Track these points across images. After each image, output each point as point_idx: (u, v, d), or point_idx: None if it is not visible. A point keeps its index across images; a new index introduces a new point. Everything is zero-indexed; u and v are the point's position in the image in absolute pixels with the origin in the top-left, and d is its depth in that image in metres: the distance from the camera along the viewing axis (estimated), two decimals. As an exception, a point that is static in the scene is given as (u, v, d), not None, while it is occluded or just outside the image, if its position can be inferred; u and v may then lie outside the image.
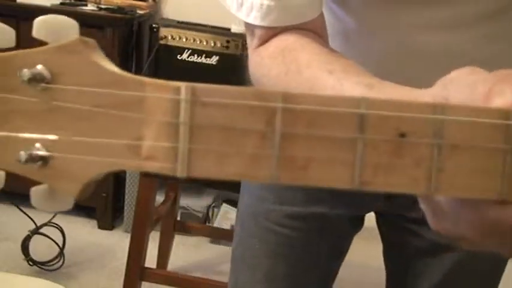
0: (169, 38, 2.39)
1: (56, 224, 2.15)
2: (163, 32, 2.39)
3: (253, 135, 0.31)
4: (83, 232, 2.39)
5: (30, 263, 2.12)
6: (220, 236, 2.38)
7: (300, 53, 0.59)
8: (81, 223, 2.45)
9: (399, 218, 0.82)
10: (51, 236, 2.14)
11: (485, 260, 0.80)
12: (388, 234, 0.87)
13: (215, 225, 2.48)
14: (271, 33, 0.63)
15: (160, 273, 1.98)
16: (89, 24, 2.31)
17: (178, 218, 2.30)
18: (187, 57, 2.38)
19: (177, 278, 1.90)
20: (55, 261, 2.15)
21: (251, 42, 0.66)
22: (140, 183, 1.84)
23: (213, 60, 2.37)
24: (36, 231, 2.13)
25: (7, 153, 0.34)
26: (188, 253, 2.37)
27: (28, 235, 2.12)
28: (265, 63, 0.63)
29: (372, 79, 0.53)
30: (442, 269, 0.80)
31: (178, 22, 2.51)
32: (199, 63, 2.37)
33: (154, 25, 2.41)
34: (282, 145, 0.31)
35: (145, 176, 1.81)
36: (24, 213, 2.15)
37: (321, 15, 0.65)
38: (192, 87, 0.32)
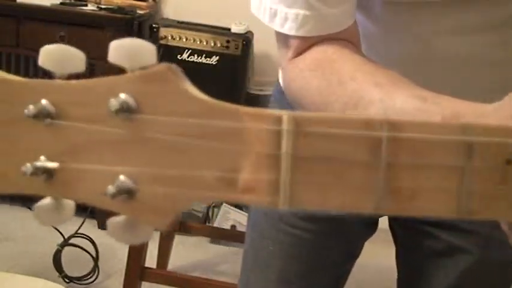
0: (169, 38, 2.39)
1: (85, 235, 2.10)
2: (163, 32, 2.39)
3: (357, 165, 0.30)
4: (82, 232, 2.39)
5: (67, 280, 2.05)
6: (220, 236, 2.38)
7: (342, 64, 0.58)
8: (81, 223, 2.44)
9: (414, 221, 0.82)
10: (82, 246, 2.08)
11: (501, 264, 0.80)
12: (403, 236, 0.87)
13: (215, 225, 2.48)
14: (307, 43, 0.62)
15: (160, 273, 1.98)
16: (89, 24, 2.31)
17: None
18: (187, 57, 2.37)
19: (177, 278, 1.90)
20: (90, 275, 2.09)
21: (286, 54, 0.64)
22: (140, 183, 1.84)
23: (213, 60, 2.37)
24: (65, 243, 2.07)
25: (91, 187, 0.33)
26: (188, 253, 2.37)
27: (58, 249, 2.04)
28: (304, 75, 0.62)
29: (422, 91, 0.51)
30: (456, 271, 0.80)
31: (178, 22, 2.51)
32: (199, 63, 2.37)
33: (154, 25, 2.41)
34: (388, 175, 0.30)
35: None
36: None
37: (355, 23, 0.64)
38: (294, 117, 0.30)
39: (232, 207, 2.49)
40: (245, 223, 2.44)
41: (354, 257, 0.88)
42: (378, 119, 0.30)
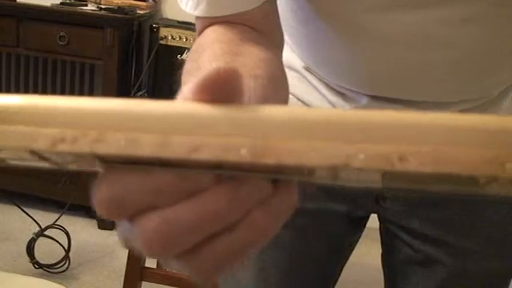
0: (169, 38, 2.39)
1: (61, 226, 2.13)
2: (163, 32, 2.39)
3: None
4: (83, 232, 2.39)
5: (36, 266, 2.11)
6: (220, 236, 2.38)
7: (205, 52, 0.53)
8: (81, 223, 2.44)
9: (393, 225, 0.81)
10: (55, 238, 2.12)
11: (479, 276, 0.78)
12: (384, 239, 0.86)
13: (215, 225, 2.48)
14: (203, 24, 0.58)
15: (160, 273, 1.98)
16: (89, 24, 2.31)
17: (178, 218, 2.30)
18: (188, 57, 2.37)
19: (177, 278, 1.90)
20: (61, 264, 2.14)
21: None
22: (140, 183, 1.84)
23: (213, 60, 2.37)
24: (41, 233, 2.11)
25: None
26: (188, 253, 2.37)
27: (33, 238, 2.10)
28: (188, 58, 0.57)
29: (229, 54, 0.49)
30: (434, 282, 0.79)
31: (178, 22, 2.51)
32: (199, 63, 2.37)
33: (154, 25, 2.41)
34: None
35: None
36: (28, 214, 2.14)
37: (266, 5, 0.57)
38: None
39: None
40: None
41: (339, 254, 0.87)
42: None
